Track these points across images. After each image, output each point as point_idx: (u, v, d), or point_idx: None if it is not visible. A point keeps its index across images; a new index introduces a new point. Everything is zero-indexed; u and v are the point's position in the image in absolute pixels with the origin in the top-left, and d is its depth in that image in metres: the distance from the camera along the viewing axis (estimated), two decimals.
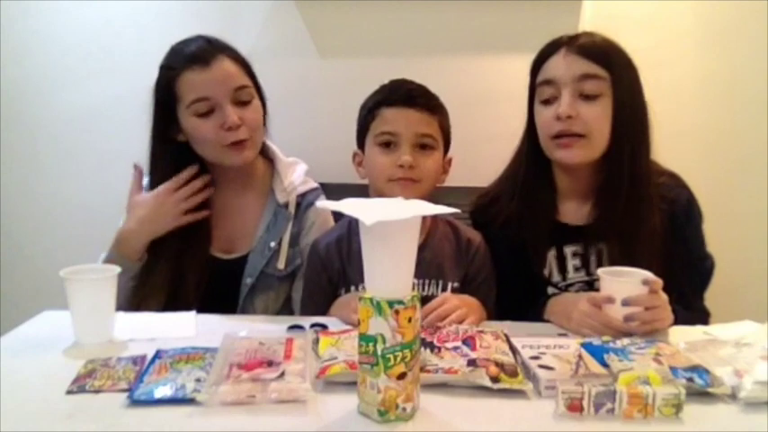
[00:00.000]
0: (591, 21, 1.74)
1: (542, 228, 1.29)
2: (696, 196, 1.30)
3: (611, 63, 1.21)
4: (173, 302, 1.30)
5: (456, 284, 1.29)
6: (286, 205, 1.43)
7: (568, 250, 1.29)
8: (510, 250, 1.29)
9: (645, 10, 1.76)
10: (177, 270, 1.34)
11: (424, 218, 1.29)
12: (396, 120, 1.25)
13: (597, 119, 1.20)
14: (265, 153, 1.48)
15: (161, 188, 1.35)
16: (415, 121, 1.25)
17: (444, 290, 1.27)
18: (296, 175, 1.46)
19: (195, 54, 1.31)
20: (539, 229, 1.28)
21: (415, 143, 1.25)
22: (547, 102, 1.24)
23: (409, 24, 1.80)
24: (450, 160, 1.34)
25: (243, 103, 1.34)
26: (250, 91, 1.36)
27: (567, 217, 1.30)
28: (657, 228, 1.22)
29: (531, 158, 1.30)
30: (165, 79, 1.33)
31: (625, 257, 1.17)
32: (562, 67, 1.22)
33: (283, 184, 1.44)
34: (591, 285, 1.26)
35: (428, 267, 1.28)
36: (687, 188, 1.29)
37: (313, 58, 1.84)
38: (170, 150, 1.37)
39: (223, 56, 1.33)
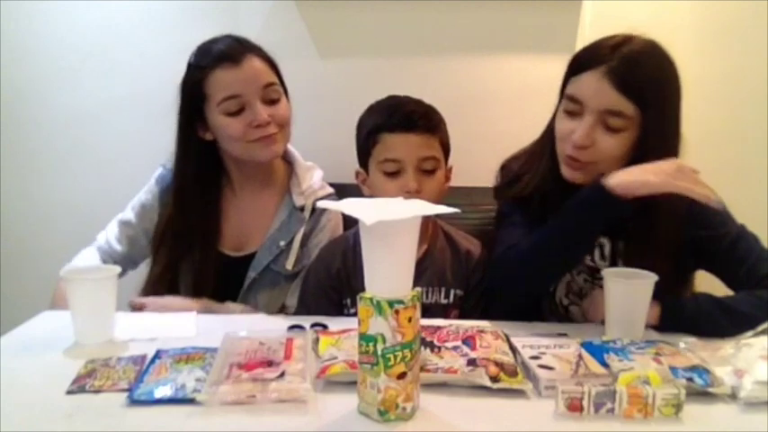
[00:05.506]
0: (591, 21, 1.74)
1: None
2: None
3: (645, 100, 1.11)
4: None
5: (459, 292, 1.32)
6: (302, 208, 1.43)
7: None
8: (529, 226, 1.27)
9: (645, 10, 1.75)
10: (177, 267, 1.37)
11: (425, 230, 1.31)
12: (398, 146, 1.25)
13: (611, 150, 1.14)
14: (285, 155, 1.49)
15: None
16: (417, 145, 1.25)
17: (447, 297, 1.31)
18: (314, 180, 1.47)
19: (225, 52, 1.33)
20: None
21: (419, 167, 1.25)
22: (570, 113, 1.17)
23: (409, 24, 1.80)
24: (450, 168, 1.35)
25: (272, 101, 1.36)
26: (278, 89, 1.38)
27: None
28: (671, 236, 1.17)
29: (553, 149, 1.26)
30: (194, 78, 1.34)
31: (630, 257, 1.18)
32: (592, 90, 1.12)
33: (301, 188, 1.45)
34: (594, 273, 1.26)
35: (431, 277, 1.31)
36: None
37: (313, 58, 1.83)
38: (195, 149, 1.39)
39: (252, 54, 1.34)
